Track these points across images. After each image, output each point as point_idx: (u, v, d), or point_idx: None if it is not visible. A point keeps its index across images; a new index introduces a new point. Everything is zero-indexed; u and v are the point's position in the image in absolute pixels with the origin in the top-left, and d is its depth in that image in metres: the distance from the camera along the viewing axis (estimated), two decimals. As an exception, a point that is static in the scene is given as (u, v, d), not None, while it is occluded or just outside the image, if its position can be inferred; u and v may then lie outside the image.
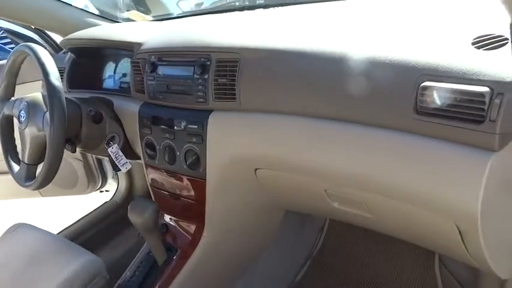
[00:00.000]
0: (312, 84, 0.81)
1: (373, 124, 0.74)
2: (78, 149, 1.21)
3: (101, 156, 1.52)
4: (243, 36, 0.94)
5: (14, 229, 1.22)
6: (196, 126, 0.99)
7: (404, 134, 0.70)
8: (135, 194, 1.82)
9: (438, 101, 0.65)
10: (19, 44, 1.64)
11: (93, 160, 1.79)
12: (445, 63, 0.65)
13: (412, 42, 0.73)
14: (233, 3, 1.58)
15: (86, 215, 1.71)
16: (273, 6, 1.38)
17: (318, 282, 1.47)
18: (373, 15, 0.93)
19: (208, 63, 0.95)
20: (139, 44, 1.15)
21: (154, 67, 1.07)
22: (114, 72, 1.38)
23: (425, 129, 0.67)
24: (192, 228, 1.14)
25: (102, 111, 1.20)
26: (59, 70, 1.05)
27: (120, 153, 1.21)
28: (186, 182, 1.08)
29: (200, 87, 0.97)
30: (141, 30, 1.28)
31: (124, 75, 1.34)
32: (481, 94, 0.60)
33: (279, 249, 1.39)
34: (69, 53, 1.44)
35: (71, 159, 1.74)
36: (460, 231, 0.71)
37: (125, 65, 1.34)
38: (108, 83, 1.39)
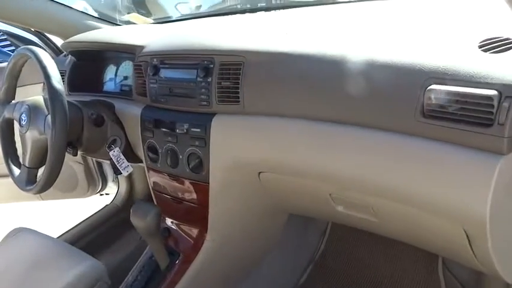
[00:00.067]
0: (316, 87, 0.81)
1: (379, 127, 0.74)
2: (79, 153, 1.20)
3: (102, 160, 1.51)
4: (247, 39, 0.94)
5: (15, 233, 1.21)
6: (199, 130, 0.99)
7: (410, 137, 0.70)
8: (136, 197, 1.81)
9: (445, 104, 0.64)
10: (19, 46, 1.64)
11: (93, 163, 1.78)
12: (452, 66, 0.65)
13: (418, 45, 0.73)
14: (234, 6, 1.58)
15: (86, 219, 1.70)
16: (275, 9, 1.38)
17: (320, 285, 1.46)
18: (378, 18, 0.93)
19: (212, 66, 0.95)
20: (141, 47, 1.15)
21: (156, 70, 1.07)
22: (115, 75, 1.38)
23: (432, 132, 0.67)
24: (194, 232, 1.14)
25: (104, 114, 1.20)
26: (59, 73, 1.05)
27: (122, 157, 1.20)
28: (188, 185, 1.07)
29: (203, 90, 0.96)
30: (142, 33, 1.28)
31: (125, 78, 1.33)
32: (489, 97, 0.60)
33: (282, 252, 1.38)
34: (70, 55, 1.44)
35: (71, 162, 1.73)
36: (467, 236, 0.70)
37: (126, 67, 1.33)
38: (109, 86, 1.39)
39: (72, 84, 1.40)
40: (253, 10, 1.43)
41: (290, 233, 1.37)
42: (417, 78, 0.67)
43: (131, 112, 1.17)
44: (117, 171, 1.21)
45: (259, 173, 0.97)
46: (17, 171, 1.16)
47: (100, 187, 1.85)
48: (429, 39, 0.74)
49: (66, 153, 1.08)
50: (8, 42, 2.16)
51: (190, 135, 1.01)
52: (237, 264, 1.25)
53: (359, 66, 0.75)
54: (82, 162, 1.75)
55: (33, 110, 1.10)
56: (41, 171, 1.10)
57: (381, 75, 0.72)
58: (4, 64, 1.85)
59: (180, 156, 1.04)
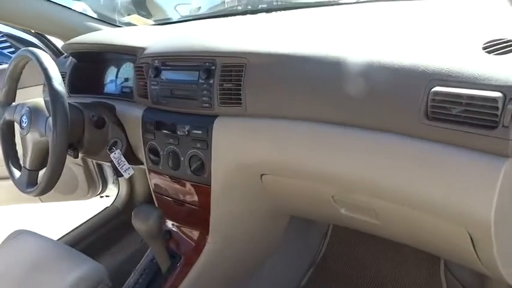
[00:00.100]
0: (319, 89, 0.80)
1: (382, 129, 0.73)
2: (80, 155, 1.20)
3: (103, 162, 1.51)
4: (249, 41, 0.94)
5: (15, 236, 1.20)
6: (200, 132, 0.98)
7: (414, 139, 0.69)
8: (136, 200, 1.80)
9: (449, 106, 0.64)
10: (19, 48, 1.64)
11: (93, 165, 1.78)
12: (456, 68, 0.65)
13: (421, 47, 0.72)
14: (235, 8, 1.58)
15: (86, 221, 1.70)
16: (276, 10, 1.38)
17: (322, 287, 1.46)
18: (381, 20, 0.92)
19: (213, 67, 0.94)
20: (143, 49, 1.14)
21: (158, 72, 1.06)
22: (116, 76, 1.37)
23: (436, 135, 0.67)
24: (195, 234, 1.13)
25: (105, 116, 1.19)
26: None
27: (123, 159, 1.20)
28: (190, 187, 1.06)
29: (205, 92, 0.96)
30: (143, 35, 1.28)
31: (126, 79, 1.33)
32: (494, 99, 0.59)
33: (283, 255, 1.38)
34: (70, 57, 1.43)
35: (71, 165, 1.73)
36: (472, 239, 0.70)
37: (127, 69, 1.33)
38: (110, 88, 1.38)
39: (72, 86, 1.40)
40: (254, 11, 1.42)
41: (291, 235, 1.36)
42: (421, 80, 0.67)
43: (132, 114, 1.17)
44: (118, 174, 1.20)
45: (262, 175, 0.96)
46: (17, 173, 1.16)
47: (100, 189, 1.84)
48: (432, 40, 0.74)
49: (68, 155, 1.08)
50: (8, 44, 2.16)
51: (191, 137, 1.00)
52: (239, 266, 1.24)
53: (362, 67, 0.75)
54: (82, 164, 1.75)
55: (34, 112, 1.10)
56: (41, 173, 1.10)
57: (384, 77, 0.72)
58: (4, 66, 1.86)
59: (182, 159, 1.04)
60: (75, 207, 2.00)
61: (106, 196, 1.92)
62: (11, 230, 1.23)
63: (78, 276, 1.02)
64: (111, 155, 1.19)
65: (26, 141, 1.11)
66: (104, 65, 1.40)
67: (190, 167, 1.03)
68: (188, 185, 1.07)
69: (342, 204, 0.90)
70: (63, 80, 1.37)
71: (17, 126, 1.17)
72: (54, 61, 1.07)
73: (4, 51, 2.45)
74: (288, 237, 1.33)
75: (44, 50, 1.42)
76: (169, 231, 1.18)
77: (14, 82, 1.19)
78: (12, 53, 2.18)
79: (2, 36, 2.15)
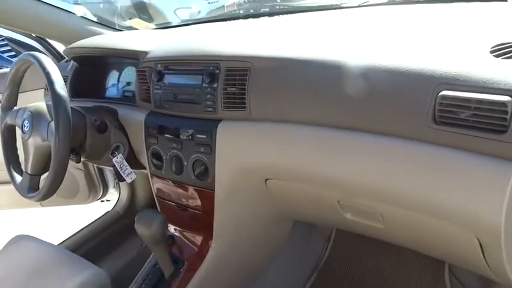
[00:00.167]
0: (325, 93, 0.80)
1: (389, 133, 0.73)
2: (82, 159, 1.19)
3: (105, 166, 1.50)
4: (253, 45, 0.93)
5: (16, 241, 1.20)
6: (204, 136, 0.98)
7: (421, 143, 0.69)
8: (137, 204, 1.80)
9: (458, 111, 0.63)
10: (20, 52, 1.63)
11: (94, 169, 1.77)
12: (464, 72, 0.64)
13: (429, 51, 0.72)
14: (237, 12, 1.57)
15: (87, 225, 1.69)
16: (278, 14, 1.37)
17: (325, 292, 1.45)
18: (386, 23, 0.92)
19: (217, 71, 0.94)
20: (145, 53, 1.14)
21: (160, 76, 1.06)
22: (118, 81, 1.37)
23: (444, 139, 0.66)
24: (199, 239, 1.12)
25: (107, 121, 1.18)
26: None
27: (125, 163, 1.19)
28: (193, 192, 1.06)
29: (209, 96, 0.95)
30: (145, 39, 1.27)
31: (128, 83, 1.32)
32: (503, 103, 0.59)
33: (287, 259, 1.37)
34: (72, 61, 1.43)
35: (72, 169, 1.72)
36: (480, 244, 0.69)
37: (129, 73, 1.33)
38: (112, 92, 1.38)
39: (74, 90, 1.39)
40: (256, 15, 1.42)
41: (294, 239, 1.36)
42: (428, 84, 0.66)
43: (135, 118, 1.16)
44: (120, 178, 1.19)
45: (266, 180, 0.96)
46: (19, 178, 1.15)
47: (101, 193, 1.84)
48: (440, 44, 0.73)
49: (70, 160, 1.07)
50: (8, 48, 2.15)
51: (195, 141, 1.00)
52: (242, 271, 1.23)
53: (367, 71, 0.74)
54: (83, 169, 1.74)
55: (36, 117, 1.09)
56: (43, 177, 1.09)
57: (390, 81, 0.71)
58: (4, 70, 1.85)
59: (185, 163, 1.03)
60: (75, 212, 2.00)
61: (107, 200, 1.91)
62: (12, 235, 1.23)
63: (81, 281, 1.01)
64: (114, 160, 1.18)
65: (28, 146, 1.10)
66: (106, 69, 1.39)
67: (193, 172, 1.02)
68: (191, 189, 1.06)
69: (348, 209, 0.90)
70: (65, 84, 1.37)
71: (18, 131, 1.16)
72: (56, 65, 1.06)
73: (4, 55, 2.45)
74: (291, 242, 1.33)
75: (45, 54, 1.42)
76: (172, 236, 1.17)
77: (16, 86, 1.18)
78: (12, 57, 2.17)
79: (2, 40, 2.14)
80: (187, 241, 1.15)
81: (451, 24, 0.82)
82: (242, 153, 0.94)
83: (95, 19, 1.64)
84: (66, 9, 1.53)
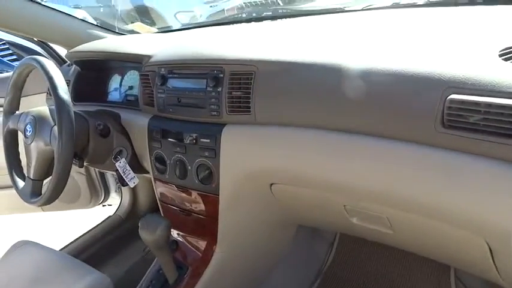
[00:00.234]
0: (331, 97, 0.79)
1: (397, 137, 0.72)
2: (84, 164, 1.18)
3: (108, 171, 1.49)
4: (257, 49, 0.93)
5: (18, 246, 1.18)
6: (208, 140, 0.97)
7: (430, 148, 0.68)
8: (139, 208, 1.79)
9: (467, 115, 0.63)
10: (22, 56, 1.62)
11: (96, 174, 1.76)
12: (473, 76, 0.64)
13: (437, 54, 0.71)
14: (240, 15, 1.57)
15: (89, 230, 1.68)
16: (281, 17, 1.37)
17: (329, 297, 1.44)
18: (394, 27, 0.91)
19: (222, 75, 0.93)
20: (148, 57, 1.13)
21: (164, 80, 1.05)
22: (120, 85, 1.36)
23: (453, 143, 0.65)
24: (203, 244, 1.11)
25: (110, 125, 1.18)
26: None
27: (128, 168, 1.18)
28: (197, 197, 1.05)
29: (213, 100, 0.95)
30: (148, 42, 1.27)
31: (130, 87, 1.32)
32: (513, 107, 0.58)
33: (291, 264, 1.36)
34: (74, 65, 1.42)
35: (74, 173, 1.71)
36: (490, 249, 0.68)
37: (132, 77, 1.32)
38: (114, 96, 1.37)
39: (76, 94, 1.38)
40: (259, 19, 1.41)
41: (298, 244, 1.35)
42: (436, 87, 0.66)
43: (138, 122, 1.16)
44: (123, 183, 1.18)
45: (271, 184, 0.95)
46: (21, 183, 1.14)
47: (103, 198, 1.83)
48: (447, 48, 0.73)
49: (73, 164, 1.06)
50: (10, 52, 2.15)
51: (199, 145, 0.99)
52: (246, 276, 1.22)
53: (375, 75, 0.73)
54: (84, 173, 1.74)
55: (38, 121, 1.08)
56: (45, 182, 1.08)
57: (398, 85, 0.71)
58: (6, 74, 1.85)
59: (189, 167, 1.02)
60: (77, 217, 1.99)
61: (108, 205, 1.90)
62: (14, 240, 1.21)
63: (83, 287, 1.00)
64: (116, 164, 1.17)
65: (30, 151, 1.09)
66: (108, 73, 1.39)
67: (198, 176, 1.01)
68: (195, 194, 1.05)
69: (354, 214, 0.89)
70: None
71: (20, 135, 1.15)
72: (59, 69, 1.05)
73: (4, 59, 2.44)
74: (294, 246, 1.32)
75: (47, 58, 1.41)
76: (176, 242, 1.16)
77: (18, 90, 1.17)
78: (13, 61, 2.16)
79: (4, 44, 2.14)
80: (191, 246, 1.14)
81: (458, 27, 0.81)
82: (247, 157, 0.93)
83: (95, 23, 1.64)
84: (67, 13, 1.53)
